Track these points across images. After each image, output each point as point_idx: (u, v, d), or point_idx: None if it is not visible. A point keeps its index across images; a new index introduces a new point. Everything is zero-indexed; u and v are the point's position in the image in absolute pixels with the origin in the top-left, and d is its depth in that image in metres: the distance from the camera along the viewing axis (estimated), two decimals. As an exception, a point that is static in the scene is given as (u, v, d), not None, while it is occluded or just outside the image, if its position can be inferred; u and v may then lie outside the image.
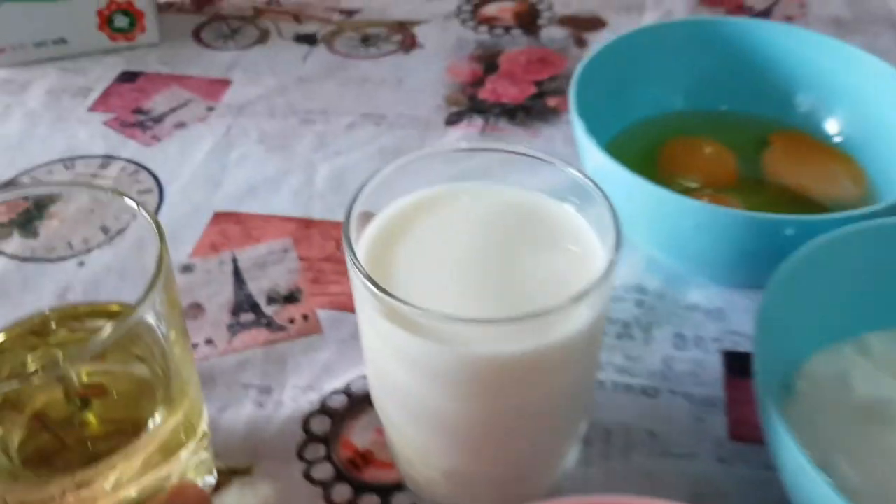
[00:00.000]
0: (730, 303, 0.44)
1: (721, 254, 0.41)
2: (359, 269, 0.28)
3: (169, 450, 0.32)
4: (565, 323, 0.28)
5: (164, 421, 0.31)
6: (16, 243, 0.48)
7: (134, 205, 0.32)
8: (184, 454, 0.33)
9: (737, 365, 0.41)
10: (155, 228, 0.30)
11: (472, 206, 0.33)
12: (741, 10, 0.68)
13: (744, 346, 0.42)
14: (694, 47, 0.51)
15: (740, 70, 0.51)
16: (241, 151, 0.55)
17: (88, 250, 0.48)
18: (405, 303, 0.26)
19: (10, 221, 0.50)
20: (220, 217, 0.50)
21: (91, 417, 0.33)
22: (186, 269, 0.46)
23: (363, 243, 0.30)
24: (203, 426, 0.35)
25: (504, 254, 0.31)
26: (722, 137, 0.50)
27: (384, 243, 0.31)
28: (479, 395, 0.29)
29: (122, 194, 0.33)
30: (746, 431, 0.38)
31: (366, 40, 0.66)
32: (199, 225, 0.49)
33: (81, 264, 0.47)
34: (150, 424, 0.31)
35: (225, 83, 0.62)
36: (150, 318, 0.29)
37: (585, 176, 0.31)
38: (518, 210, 0.32)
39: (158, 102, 0.60)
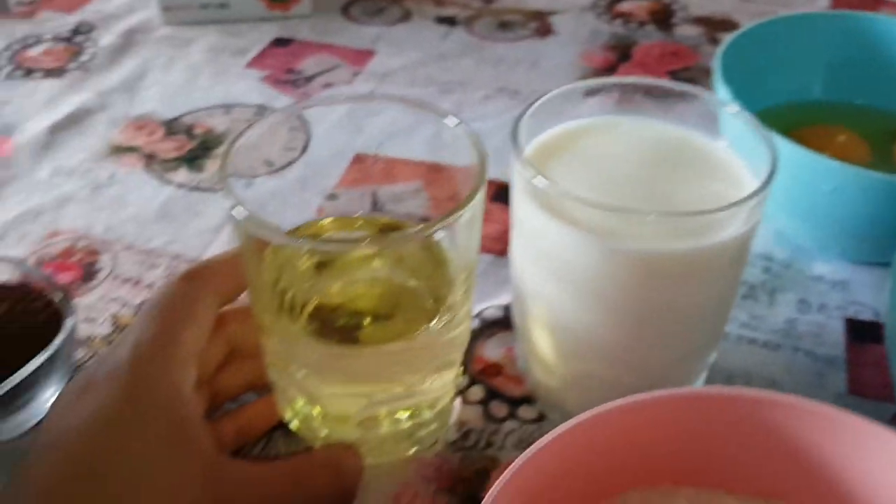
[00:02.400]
0: (854, 276, 0.45)
1: (854, 221, 0.42)
2: (526, 164, 0.30)
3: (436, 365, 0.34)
4: (718, 231, 0.29)
5: (438, 333, 0.34)
6: (182, 175, 0.53)
7: (453, 123, 0.35)
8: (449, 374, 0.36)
9: (859, 331, 0.42)
10: (472, 144, 0.32)
11: (627, 137, 0.35)
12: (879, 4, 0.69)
13: (866, 315, 0.43)
14: (832, 38, 0.52)
15: (877, 64, 0.52)
16: (381, 108, 0.58)
17: (254, 177, 0.52)
18: (570, 194, 0.29)
19: (177, 158, 0.55)
20: (360, 158, 0.54)
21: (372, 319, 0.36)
22: (332, 196, 0.50)
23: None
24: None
25: (658, 180, 0.33)
26: (855, 129, 0.51)
27: (539, 164, 0.33)
28: (623, 297, 0.31)
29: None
30: (866, 389, 0.39)
31: (503, 25, 0.69)
32: (343, 163, 0.53)
33: (248, 185, 0.51)
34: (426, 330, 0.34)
35: (370, 53, 0.66)
36: (461, 226, 0.31)
37: (740, 110, 0.33)
38: (669, 143, 0.34)
39: (308, 65, 0.65)
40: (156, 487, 0.28)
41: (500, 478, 0.26)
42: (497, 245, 0.47)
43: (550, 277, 0.32)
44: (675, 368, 0.34)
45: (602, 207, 0.28)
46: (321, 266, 0.37)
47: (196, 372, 0.32)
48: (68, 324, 0.37)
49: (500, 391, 0.39)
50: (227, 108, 0.60)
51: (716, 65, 0.46)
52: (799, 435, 0.28)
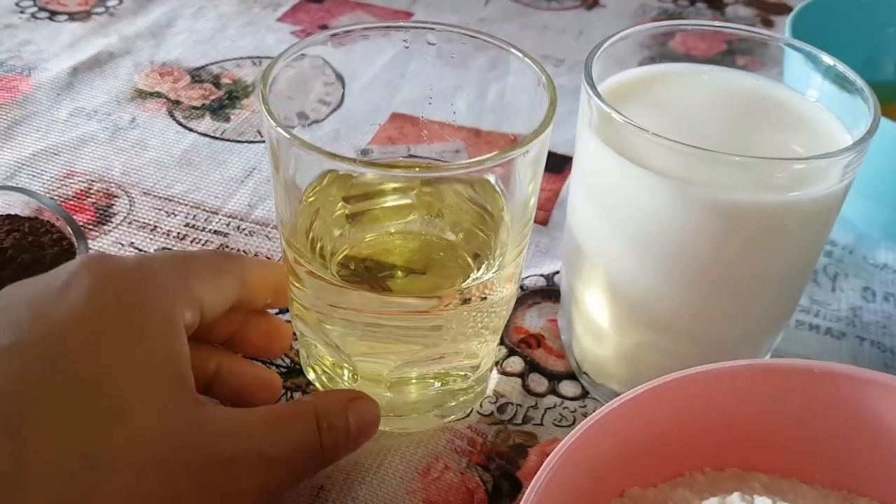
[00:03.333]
0: (924, 267, 0.42)
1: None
2: (601, 101, 0.27)
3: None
4: (810, 183, 0.26)
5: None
6: (206, 124, 0.50)
7: (518, 54, 0.32)
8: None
9: (931, 324, 0.39)
10: (542, 74, 0.29)
11: (707, 86, 0.32)
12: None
13: (938, 308, 0.40)
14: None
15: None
16: (419, 64, 0.56)
17: (289, 128, 0.49)
18: (650, 132, 0.26)
19: (202, 106, 0.52)
20: (397, 116, 0.51)
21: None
22: (364, 152, 0.47)
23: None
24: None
25: (742, 131, 0.30)
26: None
27: (614, 103, 0.30)
28: (698, 254, 0.28)
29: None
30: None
31: (548, -6, 0.66)
32: (378, 121, 0.50)
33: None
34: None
35: (407, 14, 0.63)
36: (524, 165, 0.28)
37: (836, 61, 0.30)
38: (756, 93, 0.32)
39: (342, 23, 0.62)
40: (134, 410, 0.23)
41: (555, 451, 0.24)
42: (540, 214, 0.44)
43: (616, 232, 0.29)
44: (741, 344, 0.31)
45: (685, 148, 0.25)
46: (354, 217, 0.34)
47: (197, 322, 0.28)
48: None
49: (540, 364, 0.36)
50: (257, 60, 0.57)
51: (789, 26, 0.43)
52: (890, 420, 0.25)
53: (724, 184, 0.26)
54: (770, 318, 0.31)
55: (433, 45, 0.35)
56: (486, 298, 0.30)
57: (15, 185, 0.45)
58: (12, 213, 0.37)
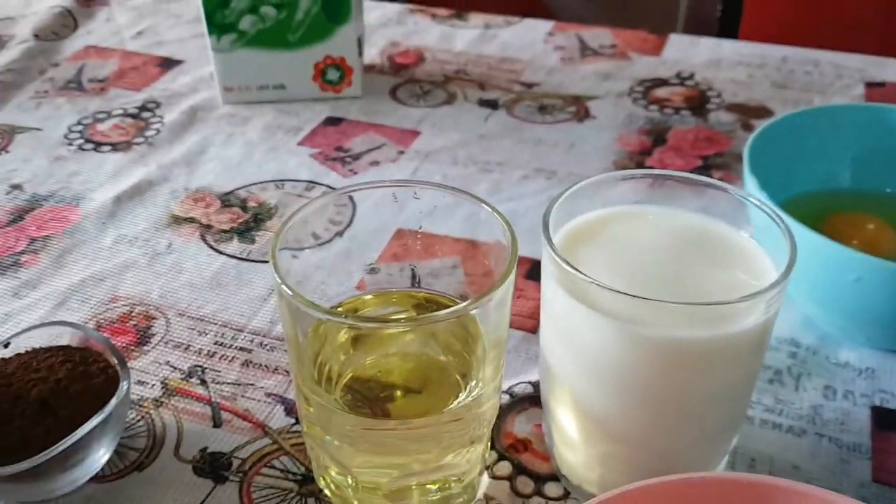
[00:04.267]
0: (881, 364, 0.46)
1: (879, 310, 0.43)
2: (556, 255, 0.32)
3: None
4: (738, 320, 0.31)
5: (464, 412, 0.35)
6: (234, 246, 0.56)
7: (488, 209, 0.37)
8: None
9: (885, 420, 0.43)
10: (507, 229, 0.35)
11: (655, 225, 0.37)
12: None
13: (892, 404, 0.43)
14: (863, 129, 0.54)
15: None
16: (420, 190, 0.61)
17: (301, 248, 0.55)
18: (594, 282, 0.31)
19: (231, 229, 0.58)
20: (401, 233, 0.56)
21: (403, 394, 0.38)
22: (373, 270, 0.52)
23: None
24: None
25: (683, 268, 0.35)
26: (885, 217, 0.52)
27: (570, 249, 0.35)
28: (645, 382, 0.32)
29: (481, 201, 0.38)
30: (891, 477, 0.39)
31: (542, 109, 0.72)
32: (385, 238, 0.56)
33: (295, 257, 0.54)
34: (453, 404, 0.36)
35: (415, 133, 0.69)
36: (493, 306, 0.33)
37: (763, 203, 0.35)
38: (695, 232, 0.36)
39: (357, 144, 0.68)
40: None
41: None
42: (529, 322, 0.49)
43: (575, 360, 0.34)
44: (696, 452, 0.35)
45: (625, 295, 0.30)
46: (357, 340, 0.39)
47: None
48: (123, 387, 0.39)
49: (527, 467, 0.41)
50: (279, 182, 0.63)
51: (746, 154, 0.48)
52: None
53: (663, 323, 0.31)
54: (718, 429, 0.35)
55: (418, 199, 0.40)
56: (474, 411, 0.35)
57: (65, 311, 0.51)
58: (63, 343, 0.42)
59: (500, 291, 0.32)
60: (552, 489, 0.40)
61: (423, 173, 0.64)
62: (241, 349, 0.48)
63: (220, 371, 0.46)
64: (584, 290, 0.32)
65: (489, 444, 0.39)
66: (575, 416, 0.35)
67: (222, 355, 0.48)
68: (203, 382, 0.46)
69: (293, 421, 0.43)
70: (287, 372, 0.46)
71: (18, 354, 0.41)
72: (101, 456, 0.39)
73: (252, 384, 0.46)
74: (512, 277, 0.33)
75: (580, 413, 0.35)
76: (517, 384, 0.45)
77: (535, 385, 0.45)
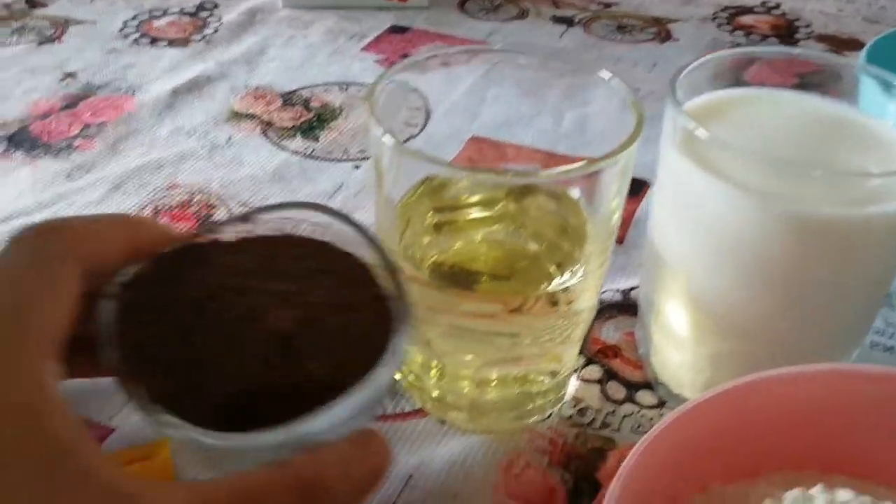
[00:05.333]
0: None
1: None
2: (688, 118, 0.29)
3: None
4: (888, 199, 0.27)
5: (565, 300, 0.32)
6: (297, 143, 0.53)
7: (607, 75, 0.33)
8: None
9: None
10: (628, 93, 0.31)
11: (784, 109, 0.33)
12: None
13: None
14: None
15: None
16: (496, 91, 0.58)
17: (365, 157, 0.52)
18: (734, 148, 0.27)
19: (293, 127, 0.55)
20: (476, 140, 0.53)
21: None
22: (450, 173, 0.49)
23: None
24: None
25: (820, 152, 0.31)
26: None
27: (698, 122, 0.32)
28: (780, 264, 0.29)
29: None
30: None
31: (621, 28, 0.68)
32: (458, 144, 0.52)
33: (357, 167, 0.51)
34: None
35: (484, 44, 0.66)
36: (616, 172, 0.29)
37: (913, 83, 0.31)
38: (833, 118, 0.33)
39: (423, 52, 0.64)
40: None
41: (641, 441, 0.25)
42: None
43: (697, 244, 0.30)
44: (823, 349, 0.32)
45: (767, 162, 0.27)
46: (441, 226, 0.36)
47: (60, 364, 0.21)
48: (398, 342, 0.24)
49: (619, 373, 0.38)
50: (344, 85, 0.60)
51: (863, 56, 0.44)
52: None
53: (804, 198, 0.27)
54: (846, 330, 0.32)
55: (516, 68, 0.37)
56: (569, 304, 0.32)
57: (121, 194, 0.48)
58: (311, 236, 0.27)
59: (622, 158, 0.29)
60: (646, 397, 0.36)
61: (496, 75, 0.60)
62: (307, 242, 0.45)
63: (285, 262, 0.44)
64: (718, 161, 0.28)
65: (582, 345, 0.36)
66: (687, 310, 0.32)
67: (287, 247, 0.45)
68: (267, 271, 0.43)
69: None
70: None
71: (253, 241, 0.26)
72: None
73: (320, 276, 0.43)
74: (636, 145, 0.29)
75: (696, 306, 0.32)
76: (605, 291, 0.42)
77: (625, 293, 0.42)
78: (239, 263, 0.25)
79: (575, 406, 0.36)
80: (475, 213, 0.37)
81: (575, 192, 0.34)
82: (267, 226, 0.27)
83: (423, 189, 0.36)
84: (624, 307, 0.41)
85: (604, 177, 0.30)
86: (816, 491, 0.24)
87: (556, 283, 0.33)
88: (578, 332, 0.34)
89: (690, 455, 0.27)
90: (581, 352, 0.38)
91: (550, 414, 0.35)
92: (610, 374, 0.37)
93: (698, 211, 0.30)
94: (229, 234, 0.26)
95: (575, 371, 0.37)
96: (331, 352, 0.23)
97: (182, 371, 0.23)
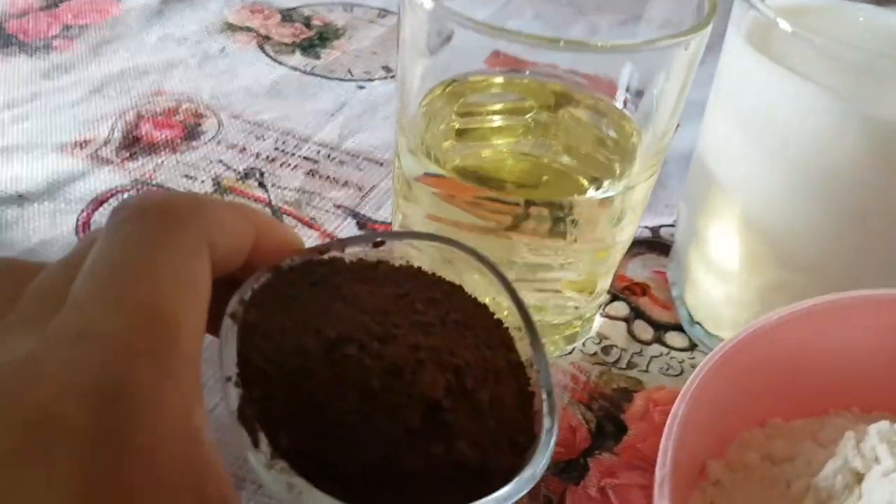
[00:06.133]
0: None
1: None
2: (760, 7, 0.25)
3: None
4: None
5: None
6: (297, 59, 0.49)
7: None
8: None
9: None
10: None
11: (863, 24, 0.30)
12: None
13: None
14: None
15: None
16: (515, 24, 0.54)
17: (370, 80, 0.48)
18: (817, 39, 0.24)
19: (292, 43, 0.51)
20: (497, 54, 0.49)
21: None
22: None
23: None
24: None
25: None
26: None
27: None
28: (857, 180, 0.25)
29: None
30: None
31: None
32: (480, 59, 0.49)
33: (361, 87, 0.47)
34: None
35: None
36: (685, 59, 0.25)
37: None
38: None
39: (434, -18, 0.60)
40: None
41: (698, 369, 0.22)
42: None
43: (760, 155, 0.27)
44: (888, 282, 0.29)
45: (858, 56, 0.23)
46: (463, 133, 0.32)
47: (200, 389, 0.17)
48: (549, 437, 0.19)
49: (646, 312, 0.34)
50: (349, 6, 0.56)
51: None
52: None
53: (892, 103, 0.24)
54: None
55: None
56: (608, 210, 0.28)
57: (101, 97, 0.44)
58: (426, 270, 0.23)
59: (696, 38, 0.25)
60: (675, 339, 0.33)
61: (514, 8, 0.56)
62: (306, 159, 0.41)
63: (280, 177, 0.40)
64: (793, 54, 0.25)
65: (613, 278, 0.32)
66: (741, 235, 0.29)
67: (284, 162, 0.41)
68: (262, 185, 0.39)
69: (366, 236, 0.37)
70: (360, 187, 0.39)
71: (376, 268, 0.23)
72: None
73: (318, 193, 0.39)
74: (708, 31, 0.25)
75: (751, 230, 0.28)
76: (630, 228, 0.38)
77: (654, 230, 0.38)
78: (371, 299, 0.21)
79: (599, 343, 0.32)
80: (502, 122, 0.34)
81: (619, 100, 0.30)
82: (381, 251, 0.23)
83: (445, 92, 0.32)
84: (653, 245, 0.37)
85: (671, 62, 0.26)
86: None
87: (591, 194, 0.29)
88: (612, 260, 0.31)
89: (747, 389, 0.23)
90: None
91: (573, 349, 0.32)
92: (637, 313, 0.34)
93: (766, 114, 0.26)
94: (351, 254, 0.23)
95: (600, 307, 0.34)
96: (480, 432, 0.19)
97: (314, 427, 0.19)
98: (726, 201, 0.29)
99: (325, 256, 0.22)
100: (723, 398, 0.23)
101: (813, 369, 0.24)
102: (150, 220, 0.17)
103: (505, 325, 0.22)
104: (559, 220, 0.28)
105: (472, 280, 0.23)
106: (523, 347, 0.21)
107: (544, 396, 0.20)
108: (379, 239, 0.23)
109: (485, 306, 0.22)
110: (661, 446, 0.19)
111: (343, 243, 0.23)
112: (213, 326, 0.19)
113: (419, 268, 0.23)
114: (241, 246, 0.19)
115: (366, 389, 0.19)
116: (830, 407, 0.24)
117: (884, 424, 0.21)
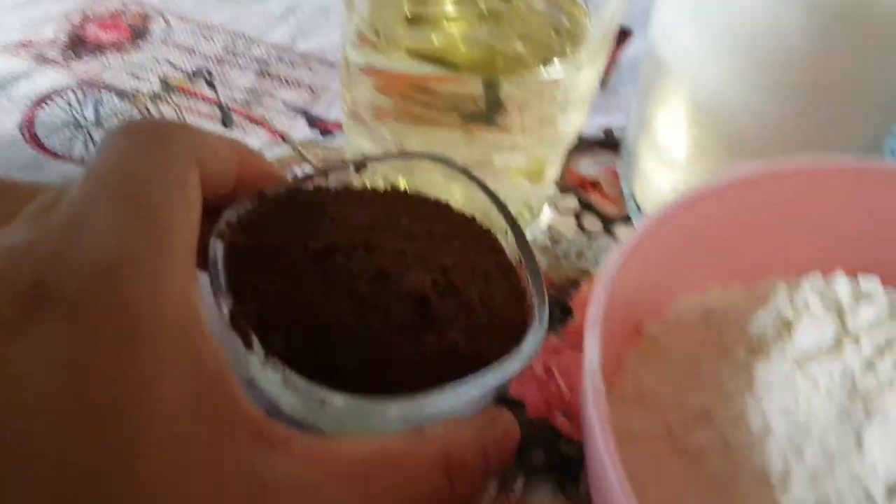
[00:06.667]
0: None
1: None
2: None
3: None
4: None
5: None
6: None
7: None
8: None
9: None
10: None
11: None
12: None
13: None
14: None
15: None
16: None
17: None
18: None
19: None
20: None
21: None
22: None
23: None
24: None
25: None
26: None
27: None
28: (806, 58, 0.25)
29: None
30: None
31: None
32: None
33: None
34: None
35: None
36: None
37: None
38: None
39: None
40: (186, 484, 0.15)
41: (631, 234, 0.22)
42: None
43: (712, 37, 0.27)
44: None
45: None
46: (415, 20, 0.32)
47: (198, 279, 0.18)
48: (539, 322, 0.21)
49: (595, 206, 0.34)
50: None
51: None
52: None
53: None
54: (865, 144, 0.29)
55: None
56: (557, 93, 0.28)
57: (83, 4, 0.42)
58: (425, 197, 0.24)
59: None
60: (624, 232, 0.33)
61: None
62: (257, 59, 0.40)
63: (230, 77, 0.39)
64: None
65: (559, 172, 0.32)
66: (690, 125, 0.29)
67: (234, 63, 0.40)
68: (210, 85, 0.38)
69: (318, 134, 0.36)
70: (312, 88, 0.39)
71: (364, 194, 0.24)
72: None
73: (269, 93, 0.38)
74: None
75: (699, 120, 0.28)
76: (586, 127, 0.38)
77: (606, 131, 0.38)
78: (357, 217, 0.22)
79: (549, 236, 0.33)
80: (455, 9, 0.33)
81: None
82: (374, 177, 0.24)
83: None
84: (604, 143, 0.37)
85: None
86: (839, 277, 0.21)
87: (541, 75, 0.29)
88: (559, 147, 0.31)
89: (684, 253, 0.23)
90: (557, 183, 0.35)
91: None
92: (587, 207, 0.34)
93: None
94: (337, 182, 0.24)
95: (549, 200, 0.34)
96: (471, 322, 0.20)
97: (308, 329, 0.20)
98: (676, 90, 0.29)
99: (310, 185, 0.23)
100: (659, 259, 0.23)
101: (750, 236, 0.24)
102: (143, 135, 0.18)
103: (494, 234, 0.23)
104: (504, 102, 0.28)
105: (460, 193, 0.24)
106: (512, 251, 0.23)
107: (533, 291, 0.21)
108: (361, 162, 0.24)
109: (472, 218, 0.24)
110: (593, 297, 0.19)
111: (326, 171, 0.24)
112: (202, 259, 0.20)
113: (405, 190, 0.24)
114: (227, 170, 0.20)
115: (355, 293, 0.20)
116: (767, 273, 0.24)
117: (816, 276, 0.21)
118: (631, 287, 0.21)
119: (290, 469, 0.16)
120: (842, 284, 0.21)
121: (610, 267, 0.20)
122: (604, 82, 0.42)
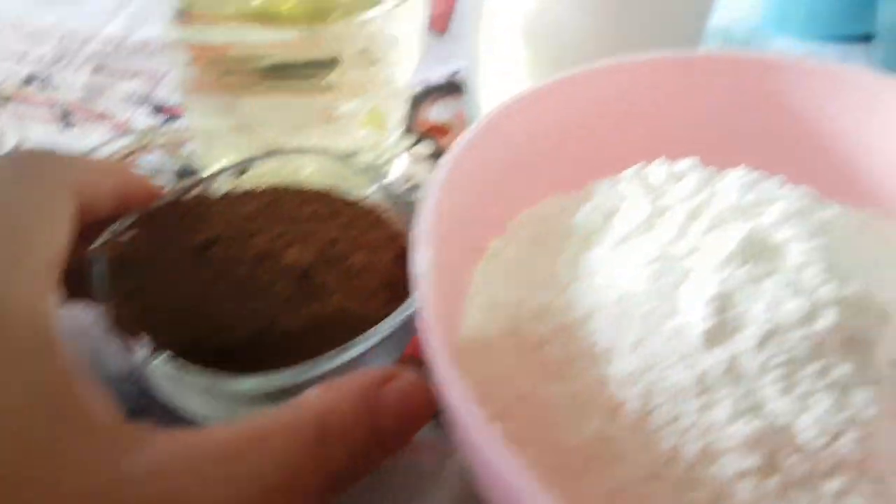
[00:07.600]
0: (820, 52, 0.42)
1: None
2: None
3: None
4: None
5: None
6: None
7: None
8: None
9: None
10: None
11: None
12: None
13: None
14: None
15: None
16: None
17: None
18: None
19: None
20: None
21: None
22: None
23: None
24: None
25: None
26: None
27: None
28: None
29: None
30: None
31: None
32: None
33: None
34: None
35: None
36: None
37: None
38: None
39: None
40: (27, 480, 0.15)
41: (456, 142, 0.22)
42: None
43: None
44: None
45: None
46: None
47: (57, 293, 0.19)
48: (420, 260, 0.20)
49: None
50: None
51: None
52: (802, 101, 0.25)
53: None
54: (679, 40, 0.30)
55: None
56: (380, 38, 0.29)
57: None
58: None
59: None
60: (479, 169, 0.34)
61: None
62: (92, 56, 0.39)
63: (66, 77, 0.38)
64: None
65: (406, 127, 0.33)
66: (521, 49, 0.30)
67: (69, 62, 0.39)
68: (47, 88, 0.37)
69: (164, 120, 0.36)
70: (151, 76, 0.38)
71: (248, 192, 0.24)
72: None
73: (109, 87, 0.37)
74: None
75: (528, 42, 0.29)
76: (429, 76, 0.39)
77: (450, 77, 0.39)
78: (239, 212, 0.23)
79: (407, 182, 0.33)
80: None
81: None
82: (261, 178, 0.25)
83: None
84: (450, 88, 0.38)
85: None
86: (655, 162, 0.22)
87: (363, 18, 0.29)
88: (394, 89, 0.31)
89: (515, 165, 0.24)
90: (409, 131, 0.36)
91: (378, 187, 0.32)
92: (441, 153, 0.35)
93: None
94: (221, 187, 0.25)
95: (403, 147, 0.34)
96: (356, 286, 0.21)
97: (192, 317, 0.20)
98: (503, 20, 0.30)
99: (190, 196, 0.24)
100: (488, 175, 0.23)
101: (579, 143, 0.25)
102: (20, 166, 0.20)
103: (378, 211, 0.25)
104: (330, 63, 0.28)
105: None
106: (398, 221, 0.24)
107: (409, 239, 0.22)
108: (241, 167, 0.25)
109: (355, 201, 0.25)
110: (421, 212, 0.19)
111: (207, 179, 0.25)
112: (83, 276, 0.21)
113: (285, 185, 0.25)
114: (107, 193, 0.21)
115: (237, 277, 0.21)
116: (602, 177, 0.25)
117: (635, 169, 0.22)
118: (465, 205, 0.21)
119: (152, 464, 0.16)
120: (656, 168, 0.22)
121: (436, 178, 0.20)
122: (445, 30, 0.43)
